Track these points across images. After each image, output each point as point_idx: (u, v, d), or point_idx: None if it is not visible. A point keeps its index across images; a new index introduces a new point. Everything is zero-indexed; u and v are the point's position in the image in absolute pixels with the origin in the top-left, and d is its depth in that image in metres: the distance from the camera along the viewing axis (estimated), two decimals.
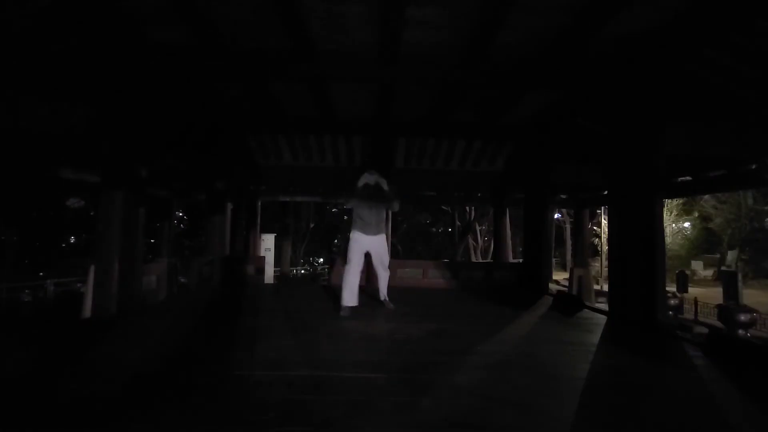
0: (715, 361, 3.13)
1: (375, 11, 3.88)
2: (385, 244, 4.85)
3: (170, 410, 2.08)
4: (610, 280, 5.30)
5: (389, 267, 4.99)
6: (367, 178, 4.71)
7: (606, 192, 8.50)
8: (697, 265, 23.86)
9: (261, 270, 8.17)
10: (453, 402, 2.27)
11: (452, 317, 4.83)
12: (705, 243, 25.26)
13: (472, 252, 24.74)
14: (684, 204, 24.10)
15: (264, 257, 8.57)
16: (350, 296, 4.58)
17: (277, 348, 3.26)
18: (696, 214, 24.65)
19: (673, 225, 24.88)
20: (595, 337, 3.94)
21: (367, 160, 5.10)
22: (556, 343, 3.68)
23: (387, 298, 4.97)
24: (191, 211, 22.69)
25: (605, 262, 19.12)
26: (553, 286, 10.19)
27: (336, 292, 4.98)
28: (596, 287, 14.15)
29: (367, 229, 4.64)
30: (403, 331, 3.83)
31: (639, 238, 4.42)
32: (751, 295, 15.58)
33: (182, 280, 7.10)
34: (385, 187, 4.71)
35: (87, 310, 4.77)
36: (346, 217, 24.24)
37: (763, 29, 3.65)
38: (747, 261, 21.85)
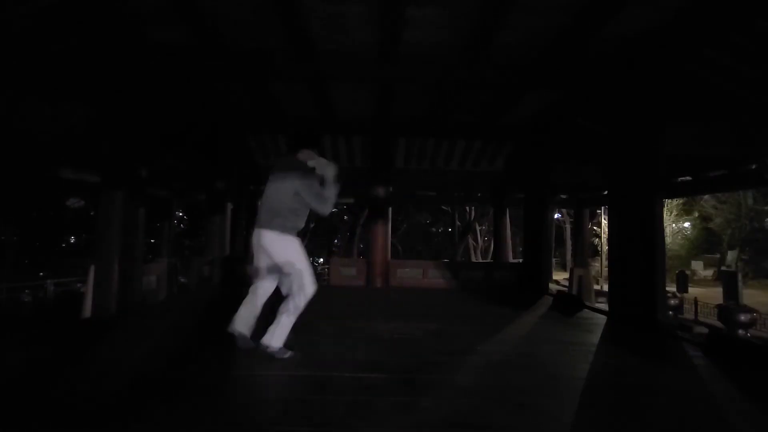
0: (715, 361, 3.13)
1: (375, 11, 3.88)
2: (281, 245, 2.87)
3: (170, 410, 2.07)
4: (610, 280, 5.31)
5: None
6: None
7: (606, 192, 8.49)
8: (697, 265, 23.87)
9: None
10: (453, 402, 2.27)
11: (452, 317, 4.82)
12: (705, 243, 25.26)
13: (472, 252, 24.75)
14: (684, 204, 24.10)
15: None
16: (239, 318, 2.97)
17: None
18: (696, 214, 24.66)
19: (673, 225, 24.88)
20: (595, 337, 3.94)
21: (291, 140, 3.33)
22: (556, 343, 3.68)
23: (273, 345, 2.81)
24: (191, 211, 22.68)
25: (605, 262, 19.12)
26: (553, 286, 10.19)
27: (334, 293, 4.97)
28: (596, 287, 14.15)
29: (258, 223, 2.97)
30: (403, 331, 3.83)
31: (639, 238, 4.42)
32: (751, 295, 15.58)
33: (182, 280, 7.10)
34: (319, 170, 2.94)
35: (87, 310, 4.77)
36: (345, 218, 24.26)
37: (763, 29, 3.65)
38: (747, 261, 21.85)
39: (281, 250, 2.87)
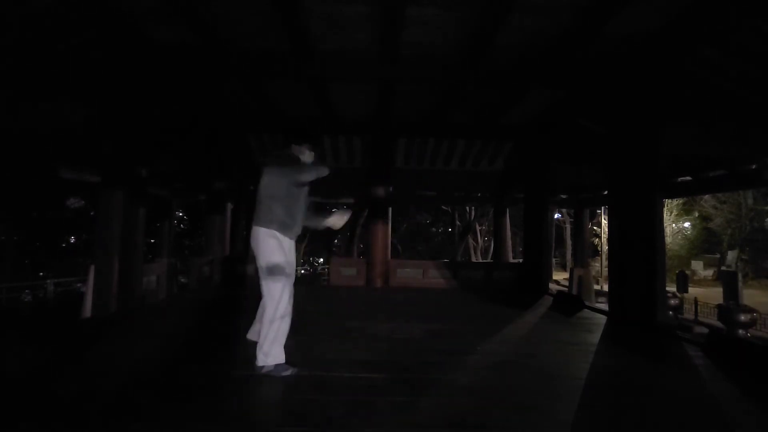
0: (715, 361, 3.14)
1: (375, 11, 3.88)
2: (258, 242, 2.64)
3: (170, 410, 2.07)
4: (610, 279, 5.30)
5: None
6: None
7: (606, 192, 8.49)
8: (697, 265, 23.85)
9: None
10: (453, 402, 2.27)
11: (452, 317, 4.82)
12: (705, 243, 25.24)
13: (472, 252, 24.73)
14: (684, 204, 24.09)
15: None
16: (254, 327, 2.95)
17: None
18: (696, 214, 24.64)
19: (673, 225, 24.86)
20: (595, 337, 3.94)
21: (292, 135, 2.92)
22: (556, 343, 3.68)
23: (262, 363, 2.53)
24: (191, 211, 22.67)
25: (605, 262, 19.12)
26: (553, 286, 10.19)
27: (334, 293, 4.95)
28: (596, 287, 14.14)
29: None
30: (403, 331, 3.83)
31: (639, 238, 4.42)
32: (751, 295, 15.58)
33: (182, 280, 7.10)
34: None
35: (87, 310, 4.77)
36: None
37: (763, 29, 3.65)
38: (747, 261, 21.84)
39: (258, 248, 2.58)
